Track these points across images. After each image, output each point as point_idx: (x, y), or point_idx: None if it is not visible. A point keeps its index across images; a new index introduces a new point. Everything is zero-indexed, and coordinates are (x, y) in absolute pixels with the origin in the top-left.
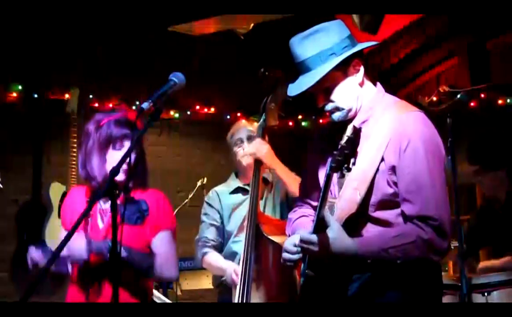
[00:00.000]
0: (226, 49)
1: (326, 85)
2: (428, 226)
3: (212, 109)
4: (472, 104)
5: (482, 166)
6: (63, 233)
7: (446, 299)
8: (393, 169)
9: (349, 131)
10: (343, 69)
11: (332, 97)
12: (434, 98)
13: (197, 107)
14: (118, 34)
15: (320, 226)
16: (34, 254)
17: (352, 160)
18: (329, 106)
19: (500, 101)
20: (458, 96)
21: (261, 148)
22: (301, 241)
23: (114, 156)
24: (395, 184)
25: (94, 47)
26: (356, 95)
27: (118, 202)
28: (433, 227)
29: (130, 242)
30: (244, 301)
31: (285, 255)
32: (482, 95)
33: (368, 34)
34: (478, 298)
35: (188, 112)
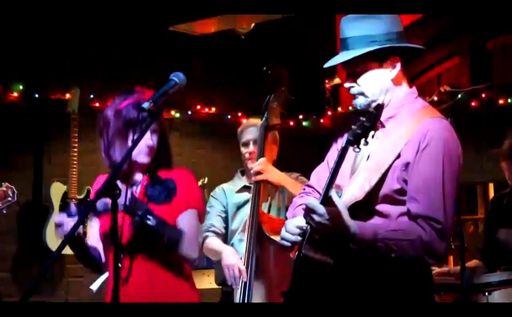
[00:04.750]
0: (227, 49)
1: (358, 69)
2: (431, 227)
3: (213, 109)
4: (473, 104)
5: None
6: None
7: (446, 299)
8: (407, 166)
9: (368, 106)
10: (379, 60)
11: (360, 81)
12: (435, 98)
13: (198, 107)
14: (118, 34)
15: (326, 202)
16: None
17: (372, 133)
18: (354, 90)
19: (501, 101)
20: (459, 96)
21: (264, 169)
22: (307, 207)
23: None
24: (405, 181)
25: (94, 47)
26: (385, 89)
27: (145, 182)
28: (435, 229)
29: None
30: (246, 301)
31: (286, 235)
32: (483, 95)
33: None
34: (478, 298)
35: (189, 112)
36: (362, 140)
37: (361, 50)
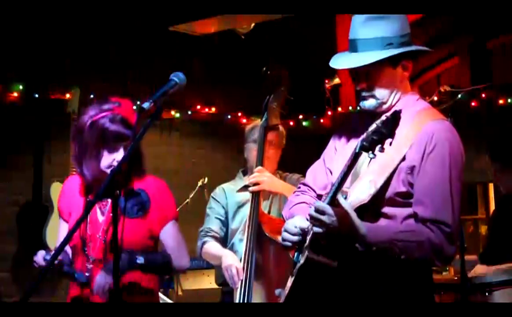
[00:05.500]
0: (227, 49)
1: (372, 71)
2: (440, 230)
3: (213, 109)
4: (473, 104)
5: (502, 163)
6: (62, 225)
7: (446, 299)
8: (412, 169)
9: (389, 113)
10: (393, 63)
11: (372, 84)
12: (435, 98)
13: (198, 107)
14: (118, 34)
15: (332, 205)
16: (40, 259)
17: (389, 140)
18: (365, 92)
19: (500, 101)
20: (459, 96)
21: (261, 179)
22: (316, 209)
23: (107, 158)
24: (410, 184)
25: (94, 47)
26: (395, 91)
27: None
28: (444, 232)
29: (131, 235)
30: (246, 301)
31: (285, 235)
32: (483, 95)
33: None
34: (478, 298)
35: (189, 112)
36: (378, 147)
37: (380, 54)
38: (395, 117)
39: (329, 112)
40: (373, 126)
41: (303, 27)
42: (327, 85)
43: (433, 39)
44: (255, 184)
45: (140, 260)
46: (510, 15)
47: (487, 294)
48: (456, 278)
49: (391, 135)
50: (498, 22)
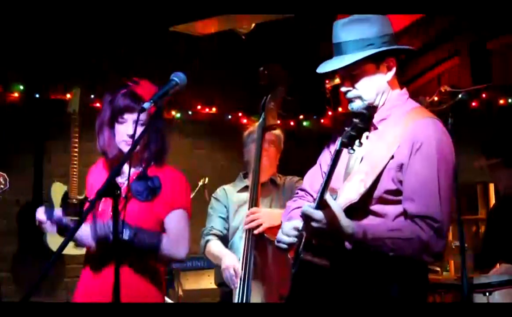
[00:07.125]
0: (227, 49)
1: (355, 72)
2: (428, 226)
3: (213, 109)
4: (473, 104)
5: (504, 161)
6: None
7: (447, 299)
8: (401, 167)
9: (363, 108)
10: (376, 63)
11: (357, 85)
12: (435, 98)
13: (198, 107)
14: (118, 34)
15: (322, 205)
16: (40, 215)
17: (366, 134)
18: (351, 94)
19: (501, 101)
20: (459, 96)
21: (260, 221)
22: (303, 215)
23: (119, 129)
24: (400, 182)
25: (95, 47)
26: (381, 91)
27: (133, 177)
28: (432, 228)
29: (139, 219)
30: (244, 301)
31: (282, 238)
32: (484, 95)
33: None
34: (479, 298)
35: (190, 112)
36: (356, 142)
37: (359, 54)
38: (370, 112)
39: (330, 113)
40: (351, 123)
41: (303, 27)
42: (327, 86)
43: (433, 39)
44: (254, 226)
45: (128, 233)
46: (510, 15)
47: (487, 294)
48: (456, 278)
49: (367, 128)
50: (498, 22)
